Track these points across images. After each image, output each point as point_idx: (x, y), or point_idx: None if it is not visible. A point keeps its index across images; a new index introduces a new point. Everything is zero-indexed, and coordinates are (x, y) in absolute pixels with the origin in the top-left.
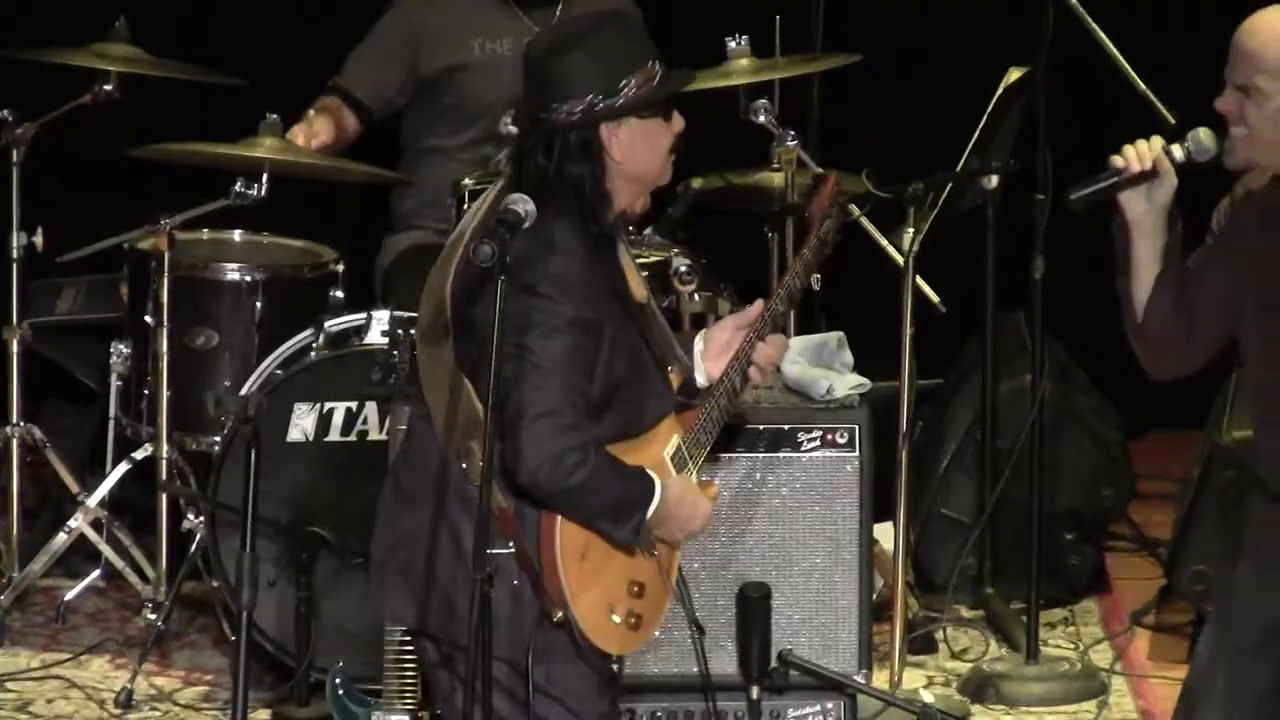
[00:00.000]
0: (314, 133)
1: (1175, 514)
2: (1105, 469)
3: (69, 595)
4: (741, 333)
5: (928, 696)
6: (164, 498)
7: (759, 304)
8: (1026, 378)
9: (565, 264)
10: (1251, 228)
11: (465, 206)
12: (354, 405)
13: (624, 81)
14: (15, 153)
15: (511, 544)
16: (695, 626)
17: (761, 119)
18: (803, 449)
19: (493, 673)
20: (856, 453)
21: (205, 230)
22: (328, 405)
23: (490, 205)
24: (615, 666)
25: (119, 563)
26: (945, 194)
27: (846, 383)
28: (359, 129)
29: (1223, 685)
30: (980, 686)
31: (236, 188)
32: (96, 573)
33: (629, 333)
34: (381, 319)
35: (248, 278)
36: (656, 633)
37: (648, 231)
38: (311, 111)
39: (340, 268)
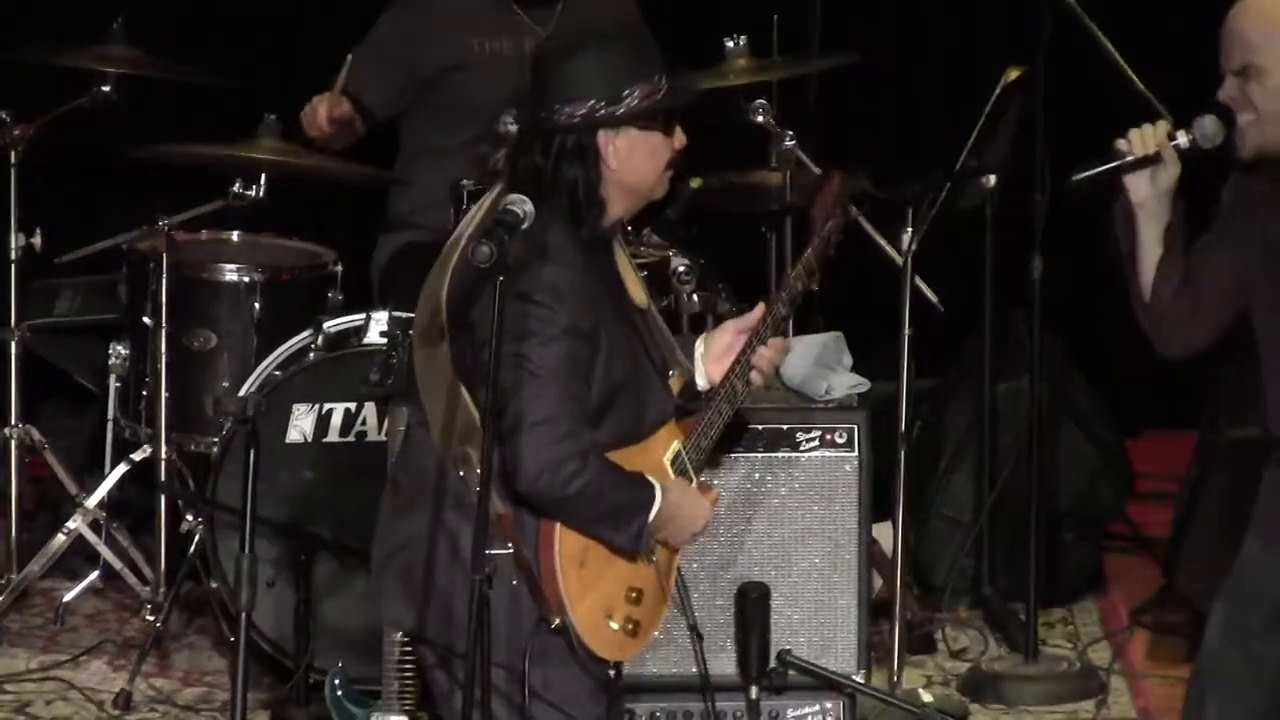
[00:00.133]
0: (337, 102)
1: (1173, 513)
2: (1103, 468)
3: (68, 597)
4: (742, 336)
5: (927, 696)
6: (163, 499)
7: (760, 308)
8: (1025, 378)
9: (558, 271)
10: (1260, 201)
11: (465, 207)
12: (352, 406)
13: (627, 91)
14: (14, 153)
15: (510, 545)
16: (694, 632)
17: (760, 119)
18: (801, 449)
19: (490, 676)
20: (855, 453)
21: (204, 231)
22: (326, 406)
23: (488, 209)
24: (612, 672)
25: (118, 564)
26: (943, 194)
27: (845, 383)
28: (363, 128)
29: (1233, 665)
30: (979, 686)
31: (235, 189)
32: (95, 574)
33: (627, 337)
34: (380, 320)
35: (246, 278)
36: (655, 633)
37: (646, 231)
38: (339, 84)
39: (339, 268)
